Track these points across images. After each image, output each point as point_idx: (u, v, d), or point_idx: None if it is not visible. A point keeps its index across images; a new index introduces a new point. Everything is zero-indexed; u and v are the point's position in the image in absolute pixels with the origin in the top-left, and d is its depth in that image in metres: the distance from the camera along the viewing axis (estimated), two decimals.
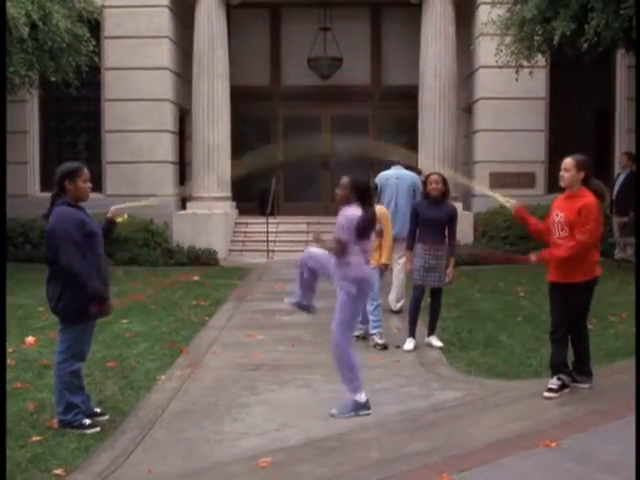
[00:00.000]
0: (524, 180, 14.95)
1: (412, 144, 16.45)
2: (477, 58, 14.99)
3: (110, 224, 5.23)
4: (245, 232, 15.13)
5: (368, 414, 5.08)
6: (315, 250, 5.38)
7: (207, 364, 6.54)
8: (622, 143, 14.98)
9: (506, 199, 5.93)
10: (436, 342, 7.01)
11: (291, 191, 17.26)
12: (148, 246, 13.41)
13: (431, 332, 7.09)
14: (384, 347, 7.01)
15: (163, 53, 14.69)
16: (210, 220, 14.20)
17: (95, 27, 13.32)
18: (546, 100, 14.89)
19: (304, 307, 5.51)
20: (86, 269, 4.67)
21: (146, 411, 5.25)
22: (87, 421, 4.85)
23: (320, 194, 16.99)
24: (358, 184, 5.28)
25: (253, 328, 7.97)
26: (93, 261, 4.79)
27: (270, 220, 14.72)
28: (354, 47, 16.72)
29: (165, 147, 14.90)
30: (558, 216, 5.46)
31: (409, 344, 6.95)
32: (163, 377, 6.08)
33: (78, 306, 4.75)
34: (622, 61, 14.56)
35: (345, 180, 5.32)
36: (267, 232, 14.19)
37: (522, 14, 10.81)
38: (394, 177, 8.65)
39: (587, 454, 4.31)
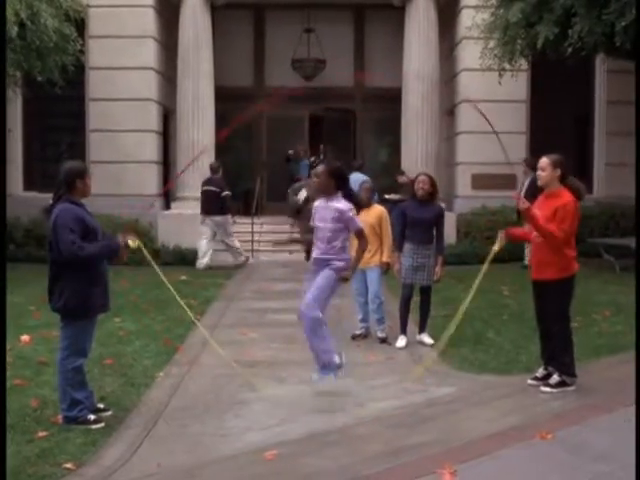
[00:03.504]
0: (505, 182, 15.16)
1: (395, 145, 16.73)
2: (459, 61, 15.22)
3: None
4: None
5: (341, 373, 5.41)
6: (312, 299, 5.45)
7: (204, 361, 6.63)
8: (601, 146, 15.29)
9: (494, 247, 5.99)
10: (427, 340, 7.17)
11: (274, 191, 17.33)
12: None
13: (422, 330, 7.24)
14: (383, 340, 7.21)
15: (148, 53, 14.72)
16: (195, 220, 14.21)
17: (80, 26, 13.30)
18: (527, 103, 15.14)
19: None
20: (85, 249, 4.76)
21: (148, 407, 5.34)
22: (92, 416, 4.93)
23: None
24: (335, 170, 5.52)
25: (245, 326, 8.07)
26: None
27: (254, 220, 14.81)
28: (337, 49, 16.87)
29: (150, 147, 14.94)
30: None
31: (401, 341, 7.10)
32: (161, 374, 6.17)
33: (79, 303, 4.83)
34: (601, 65, 14.84)
35: (322, 168, 5.52)
36: (252, 232, 14.27)
37: (506, 18, 11.01)
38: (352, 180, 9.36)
39: (581, 445, 4.48)
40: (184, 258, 13.30)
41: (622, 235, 12.46)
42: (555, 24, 10.46)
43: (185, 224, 14.08)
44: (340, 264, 5.49)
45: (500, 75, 12.20)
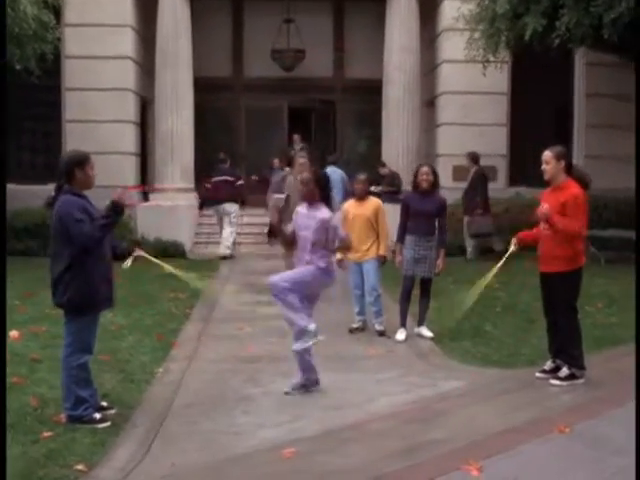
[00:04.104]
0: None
1: (375, 137, 16.65)
2: (440, 53, 15.18)
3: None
4: (210, 224, 14.99)
5: (318, 340, 5.34)
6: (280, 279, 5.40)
7: (202, 357, 6.49)
8: (580, 139, 15.37)
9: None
10: (426, 332, 7.11)
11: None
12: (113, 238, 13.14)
13: (421, 323, 7.18)
14: (382, 333, 7.15)
15: (126, 42, 14.42)
16: (175, 212, 14.01)
17: (57, 14, 12.97)
18: (508, 95, 15.15)
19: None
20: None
21: (152, 404, 5.21)
22: (97, 415, 4.78)
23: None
24: (320, 179, 5.48)
25: (239, 320, 7.94)
26: (99, 251, 4.73)
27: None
28: (317, 40, 16.70)
29: (128, 138, 14.66)
30: (543, 208, 5.58)
31: (401, 334, 7.03)
32: (160, 370, 6.03)
33: (83, 298, 4.67)
34: (581, 58, 14.90)
35: (307, 176, 5.43)
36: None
37: (494, 9, 10.97)
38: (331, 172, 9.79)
39: (599, 439, 4.45)
40: (165, 250, 13.03)
41: (604, 227, 12.52)
42: (542, 15, 10.44)
43: (165, 216, 13.86)
44: (323, 265, 5.38)
45: (484, 67, 12.17)
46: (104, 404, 4.99)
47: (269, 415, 4.95)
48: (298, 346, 5.32)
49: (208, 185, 13.36)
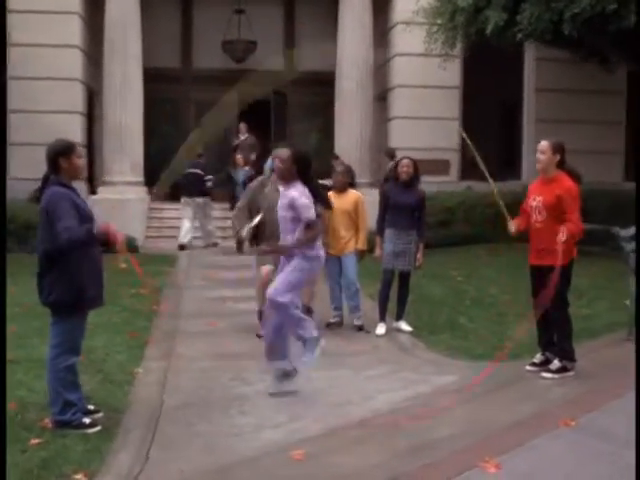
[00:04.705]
0: (439, 167, 15.24)
1: (326, 130, 16.54)
2: (393, 46, 15.16)
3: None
4: (160, 218, 14.65)
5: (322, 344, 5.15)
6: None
7: (180, 354, 6.26)
8: (530, 133, 15.57)
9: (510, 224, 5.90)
10: (405, 327, 7.04)
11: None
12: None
13: (400, 317, 7.10)
14: (360, 328, 7.05)
15: (73, 30, 13.93)
16: (125, 206, 13.58)
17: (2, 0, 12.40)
18: (460, 89, 15.25)
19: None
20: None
21: (141, 406, 4.97)
22: (87, 420, 4.52)
23: None
24: (300, 157, 5.07)
25: (209, 316, 7.72)
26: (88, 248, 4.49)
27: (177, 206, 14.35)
28: (268, 31, 16.49)
29: (75, 129, 14.09)
30: (536, 200, 5.56)
31: (381, 329, 6.94)
32: (140, 370, 5.78)
33: (73, 296, 4.41)
34: (531, 53, 15.10)
35: (286, 152, 5.13)
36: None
37: (455, 3, 10.97)
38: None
39: (605, 432, 4.44)
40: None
41: None
42: (503, 9, 10.50)
43: (114, 209, 13.38)
44: (311, 252, 5.07)
45: (444, 60, 12.19)
46: (91, 407, 4.73)
47: (267, 415, 4.77)
48: (311, 358, 5.09)
49: (180, 177, 13.43)
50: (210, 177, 13.51)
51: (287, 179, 5.09)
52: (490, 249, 12.41)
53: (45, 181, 4.53)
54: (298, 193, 4.96)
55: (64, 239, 4.24)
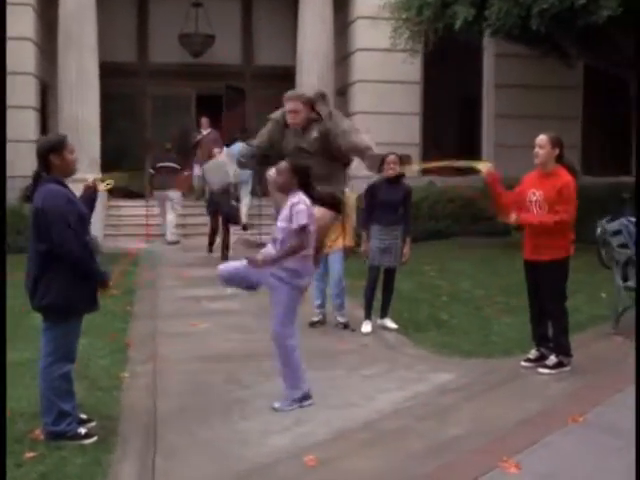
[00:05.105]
0: (402, 162, 15.17)
1: None
2: (354, 41, 15.06)
3: (92, 192, 4.66)
4: (119, 216, 14.28)
5: (311, 404, 4.82)
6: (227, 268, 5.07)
7: (165, 357, 6.05)
8: (490, 128, 15.68)
9: (484, 164, 5.91)
10: (391, 324, 6.95)
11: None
12: (19, 232, 12.23)
13: (385, 314, 7.01)
14: (346, 326, 6.94)
15: (25, 23, 13.40)
16: None
17: None
18: (421, 84, 15.24)
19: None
20: (85, 251, 4.14)
21: (135, 413, 4.76)
22: (82, 430, 4.31)
23: None
24: (299, 169, 4.97)
25: (188, 316, 7.51)
26: (86, 243, 4.28)
27: (144, 203, 14.06)
28: (226, 25, 16.20)
29: (28, 125, 13.66)
30: (535, 195, 5.51)
31: (366, 326, 6.84)
32: (126, 374, 5.56)
33: (69, 298, 4.19)
34: (490, 49, 15.18)
35: (284, 165, 5.02)
36: (146, 216, 13.51)
37: None
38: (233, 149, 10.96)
39: (614, 427, 4.42)
40: None
41: None
42: (472, 5, 10.50)
43: None
44: (292, 265, 4.76)
45: (410, 55, 12.15)
46: (83, 416, 4.51)
47: (270, 419, 4.62)
48: (285, 405, 4.79)
49: (152, 171, 13.41)
50: (188, 172, 13.78)
51: (286, 191, 4.96)
52: (459, 244, 12.49)
53: (36, 179, 4.30)
54: (297, 199, 4.84)
55: (65, 250, 4.08)
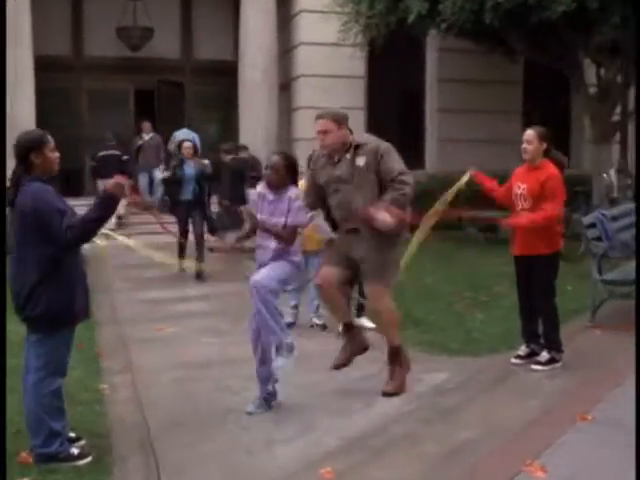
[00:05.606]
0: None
1: (227, 120, 16.07)
2: (297, 35, 14.88)
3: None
4: None
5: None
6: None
7: (141, 367, 5.74)
8: (433, 122, 15.75)
9: (465, 176, 5.85)
10: (368, 323, 6.79)
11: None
12: None
13: (361, 313, 6.86)
14: (324, 327, 6.82)
15: None
16: None
17: None
18: (365, 79, 15.17)
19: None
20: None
21: (125, 430, 4.47)
22: (75, 450, 4.00)
23: None
24: (292, 164, 4.82)
25: (152, 321, 7.18)
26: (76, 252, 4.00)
27: (82, 202, 13.47)
28: (165, 18, 15.74)
29: None
30: (520, 188, 5.48)
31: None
32: (105, 386, 5.24)
33: (63, 308, 3.87)
34: (433, 44, 15.22)
35: (277, 160, 4.83)
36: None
37: None
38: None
39: (621, 424, 4.37)
40: None
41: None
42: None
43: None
44: (296, 259, 4.78)
45: (361, 50, 12.05)
46: (72, 435, 4.19)
47: (271, 429, 4.41)
48: (283, 362, 4.70)
49: (93, 163, 13.21)
50: (127, 157, 13.60)
51: (280, 187, 4.76)
52: (408, 238, 12.41)
53: (17, 181, 3.96)
54: (295, 195, 4.65)
55: (75, 234, 3.73)
